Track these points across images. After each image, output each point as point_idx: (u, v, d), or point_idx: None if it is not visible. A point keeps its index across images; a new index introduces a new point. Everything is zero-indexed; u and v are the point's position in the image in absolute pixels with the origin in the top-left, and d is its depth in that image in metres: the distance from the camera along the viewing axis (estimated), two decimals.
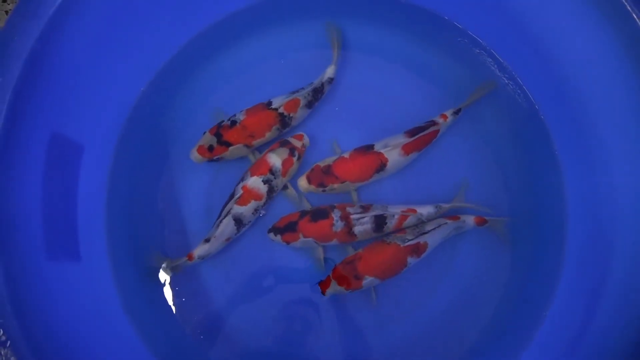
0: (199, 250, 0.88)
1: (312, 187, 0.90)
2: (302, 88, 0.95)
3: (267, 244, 0.93)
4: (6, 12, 1.14)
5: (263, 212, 0.94)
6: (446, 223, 0.89)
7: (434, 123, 0.93)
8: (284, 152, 0.91)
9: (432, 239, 0.88)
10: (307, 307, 0.92)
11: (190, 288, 0.92)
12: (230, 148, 0.91)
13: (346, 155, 0.91)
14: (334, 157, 0.92)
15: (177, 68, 0.98)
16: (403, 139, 0.91)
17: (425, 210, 0.90)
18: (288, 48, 1.02)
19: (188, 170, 0.97)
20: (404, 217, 0.88)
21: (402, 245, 0.86)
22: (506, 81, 0.98)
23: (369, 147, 0.91)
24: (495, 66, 0.99)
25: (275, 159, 0.90)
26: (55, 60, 0.77)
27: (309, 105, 0.95)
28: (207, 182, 0.97)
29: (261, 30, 1.01)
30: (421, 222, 0.90)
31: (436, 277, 0.93)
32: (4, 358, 0.64)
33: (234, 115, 0.93)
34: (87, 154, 0.86)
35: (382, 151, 0.90)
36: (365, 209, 0.88)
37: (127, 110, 0.93)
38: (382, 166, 0.90)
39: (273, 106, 0.92)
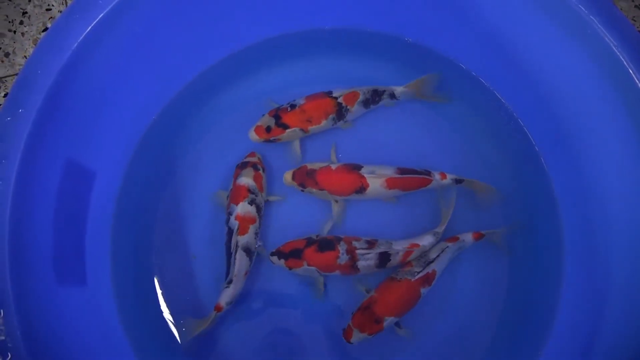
0: (225, 297, 0.87)
1: (294, 183, 0.94)
2: (364, 86, 0.99)
3: (266, 268, 0.95)
4: (34, 41, 1.18)
5: (260, 243, 0.95)
6: (448, 246, 0.90)
7: (429, 174, 0.94)
8: (250, 171, 0.94)
9: (438, 266, 0.90)
10: (305, 335, 0.93)
11: (189, 310, 0.93)
12: (287, 130, 0.95)
13: (333, 166, 0.94)
14: (324, 164, 0.94)
15: (186, 100, 1.01)
16: (391, 173, 0.93)
17: (426, 241, 0.92)
18: (295, 83, 1.05)
19: (193, 197, 0.99)
20: (408, 253, 0.90)
21: (413, 280, 0.87)
22: (507, 119, 1.01)
23: (357, 167, 0.93)
24: (496, 105, 1.02)
25: (246, 180, 0.92)
26: (73, 92, 0.80)
27: (366, 103, 0.98)
28: (212, 210, 0.98)
29: (269, 65, 1.05)
30: (424, 253, 0.92)
31: (435, 306, 0.94)
32: None
33: (294, 100, 0.97)
34: (97, 181, 0.88)
35: (365, 175, 0.92)
36: (371, 244, 0.90)
37: (137, 138, 0.96)
38: (361, 189, 0.92)
39: (333, 95, 0.96)
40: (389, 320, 0.86)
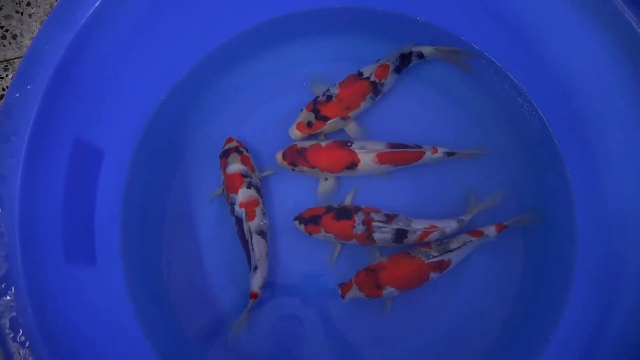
0: (256, 283, 0.88)
1: (285, 163, 0.94)
2: (389, 53, 0.98)
3: (274, 253, 0.94)
4: (42, 23, 1.18)
5: (265, 220, 0.94)
6: (471, 241, 0.89)
7: (420, 148, 0.94)
8: (235, 156, 0.93)
9: (456, 256, 0.89)
10: (310, 319, 0.93)
11: (196, 290, 0.94)
12: (329, 122, 0.95)
13: (323, 144, 0.93)
14: (314, 142, 0.94)
15: (195, 79, 1.00)
16: (381, 147, 0.92)
17: (447, 225, 0.90)
18: (304, 62, 1.04)
19: (201, 177, 0.99)
20: (425, 233, 0.89)
21: (426, 262, 0.86)
22: (521, 102, 0.99)
23: (346, 143, 0.93)
24: (511, 88, 1.00)
25: (236, 166, 0.92)
26: (82, 69, 0.79)
27: (397, 70, 0.98)
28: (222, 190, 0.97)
29: (278, 44, 1.04)
30: (445, 238, 0.91)
31: (443, 293, 0.93)
32: (22, 358, 0.66)
33: (328, 89, 0.96)
34: (106, 160, 0.87)
35: (356, 151, 0.91)
36: (389, 218, 0.90)
37: (146, 118, 0.96)
38: (352, 164, 0.92)
39: (365, 75, 0.95)
40: (389, 291, 0.86)
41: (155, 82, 0.96)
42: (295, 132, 0.96)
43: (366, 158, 0.91)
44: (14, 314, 0.67)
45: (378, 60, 0.98)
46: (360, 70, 0.97)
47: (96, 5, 0.76)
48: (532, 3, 0.90)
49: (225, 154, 0.94)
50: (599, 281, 0.85)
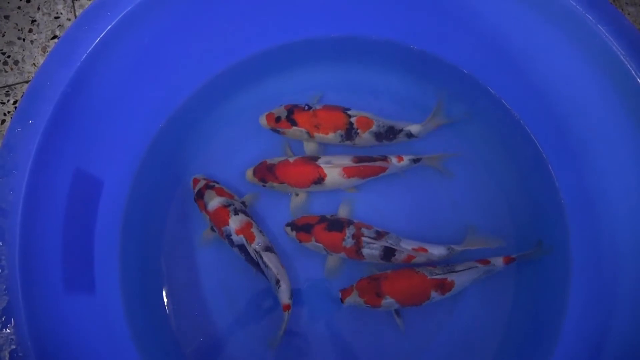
0: (284, 295, 0.88)
1: (256, 179, 0.96)
2: (385, 118, 0.99)
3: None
4: (43, 49, 1.19)
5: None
6: (476, 267, 0.90)
7: (385, 159, 0.95)
8: (210, 193, 0.94)
9: (459, 279, 0.89)
10: (307, 337, 0.93)
11: (195, 317, 0.94)
12: (294, 128, 0.96)
13: (291, 159, 0.95)
14: (282, 158, 0.96)
15: (194, 106, 1.02)
16: (347, 162, 0.94)
17: (436, 250, 0.91)
18: (300, 90, 1.06)
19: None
20: (412, 255, 0.90)
21: (428, 277, 0.88)
22: (513, 128, 1.01)
23: (314, 159, 0.95)
24: (503, 113, 1.01)
25: (215, 201, 0.93)
26: (82, 102, 0.81)
27: (378, 136, 0.98)
28: None
29: (275, 73, 1.06)
30: (443, 263, 0.92)
31: (441, 311, 0.94)
32: None
33: (313, 103, 0.99)
34: (105, 189, 0.89)
35: (322, 166, 0.93)
36: (380, 235, 0.91)
37: (145, 146, 0.97)
38: (319, 179, 0.94)
39: (348, 112, 0.97)
40: (388, 301, 0.87)
41: (154, 110, 0.97)
42: (263, 119, 0.98)
43: (332, 172, 0.93)
44: (13, 347, 0.68)
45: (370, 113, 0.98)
46: (350, 108, 0.98)
47: (96, 41, 0.78)
48: (523, 31, 0.91)
49: (200, 195, 0.95)
50: (594, 299, 0.86)
